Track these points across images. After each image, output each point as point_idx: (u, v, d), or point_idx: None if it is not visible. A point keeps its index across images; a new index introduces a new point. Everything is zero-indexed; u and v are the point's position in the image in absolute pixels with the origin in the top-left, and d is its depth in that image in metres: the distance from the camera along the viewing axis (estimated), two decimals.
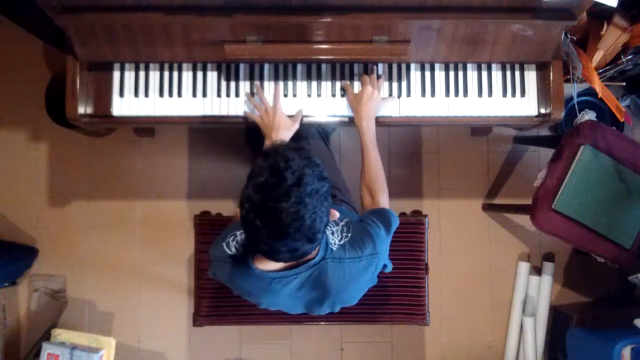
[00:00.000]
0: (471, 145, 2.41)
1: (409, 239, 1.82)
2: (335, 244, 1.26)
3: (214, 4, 1.49)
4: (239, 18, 1.50)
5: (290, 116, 1.64)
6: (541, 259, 2.38)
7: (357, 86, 1.68)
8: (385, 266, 1.40)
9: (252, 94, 1.66)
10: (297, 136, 1.86)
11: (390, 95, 1.69)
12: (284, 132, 1.58)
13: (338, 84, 1.68)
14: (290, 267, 1.22)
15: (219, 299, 1.81)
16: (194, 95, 1.68)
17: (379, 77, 1.66)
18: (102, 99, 1.66)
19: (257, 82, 1.66)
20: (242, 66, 1.68)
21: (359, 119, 1.60)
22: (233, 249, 1.26)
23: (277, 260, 1.12)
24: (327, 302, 1.32)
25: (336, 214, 1.19)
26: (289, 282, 1.23)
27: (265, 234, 1.03)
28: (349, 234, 1.30)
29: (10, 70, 2.36)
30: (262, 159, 1.05)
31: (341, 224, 1.33)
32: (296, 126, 1.62)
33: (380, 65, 1.69)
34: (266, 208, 1.01)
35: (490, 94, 1.70)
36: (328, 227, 1.29)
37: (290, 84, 1.68)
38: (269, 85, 1.67)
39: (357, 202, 1.72)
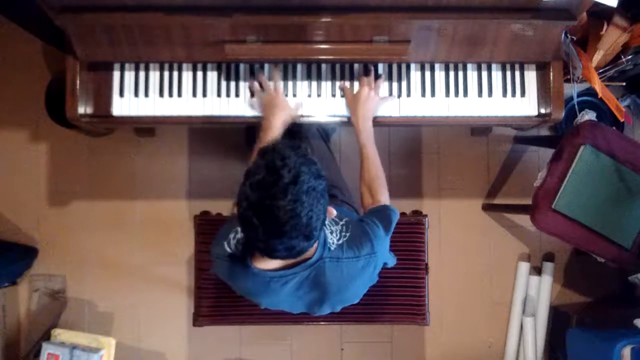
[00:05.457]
0: (471, 145, 2.41)
1: (409, 239, 1.82)
2: (333, 243, 1.27)
3: (214, 4, 1.49)
4: (239, 18, 1.50)
5: None
6: (541, 259, 2.38)
7: (357, 86, 1.68)
8: (386, 263, 1.41)
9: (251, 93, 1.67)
10: (297, 136, 1.87)
11: (391, 94, 1.69)
12: (285, 115, 1.59)
13: (338, 84, 1.68)
14: (288, 267, 1.22)
15: (219, 299, 1.80)
16: (194, 95, 1.68)
17: (378, 77, 1.66)
18: (102, 99, 1.66)
19: (256, 67, 1.67)
20: (242, 66, 1.68)
21: (355, 119, 1.61)
22: (233, 248, 1.26)
23: (275, 257, 1.12)
24: (328, 303, 1.32)
25: (333, 212, 1.19)
26: (287, 281, 1.23)
27: (262, 231, 1.03)
28: (347, 234, 1.30)
29: (10, 70, 2.36)
30: (259, 157, 1.06)
31: (341, 223, 1.33)
32: (295, 113, 1.63)
33: (380, 65, 1.69)
34: (263, 206, 1.01)
35: (490, 94, 1.70)
36: (327, 227, 1.30)
37: (290, 84, 1.68)
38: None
39: (358, 202, 1.72)
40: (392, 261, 1.47)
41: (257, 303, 1.34)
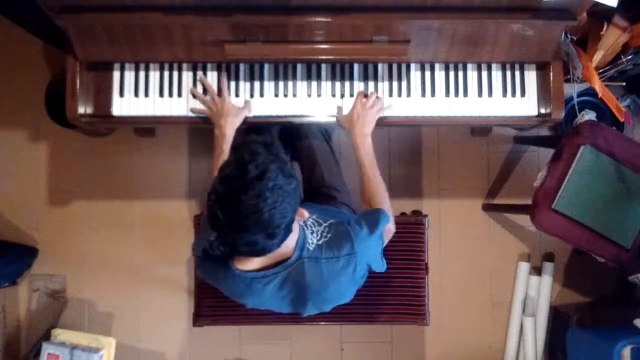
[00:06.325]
0: (471, 145, 2.41)
1: (409, 239, 1.82)
2: (312, 243, 1.27)
3: (214, 4, 1.49)
4: (239, 18, 1.50)
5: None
6: (541, 259, 2.38)
7: (348, 102, 1.67)
8: (370, 266, 1.39)
9: (204, 91, 1.66)
10: (298, 136, 1.87)
11: (390, 95, 1.68)
12: (233, 119, 1.59)
13: (338, 84, 1.68)
14: (268, 267, 1.23)
15: (219, 299, 1.80)
16: (194, 95, 1.68)
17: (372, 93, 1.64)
18: (102, 99, 1.66)
19: (199, 73, 1.66)
20: (242, 66, 1.68)
21: (353, 136, 1.58)
22: (215, 249, 1.26)
23: (240, 253, 1.14)
24: (310, 302, 1.32)
25: (305, 214, 1.19)
26: (269, 281, 1.24)
27: (225, 225, 1.04)
28: (329, 235, 1.31)
29: (10, 70, 2.36)
30: (231, 152, 1.08)
31: (324, 224, 1.34)
32: (245, 113, 1.63)
33: (380, 65, 1.69)
34: (227, 200, 1.03)
35: (490, 94, 1.70)
36: (308, 227, 1.30)
37: (290, 84, 1.68)
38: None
39: (356, 203, 1.72)
40: (379, 266, 1.43)
41: (243, 303, 1.34)
